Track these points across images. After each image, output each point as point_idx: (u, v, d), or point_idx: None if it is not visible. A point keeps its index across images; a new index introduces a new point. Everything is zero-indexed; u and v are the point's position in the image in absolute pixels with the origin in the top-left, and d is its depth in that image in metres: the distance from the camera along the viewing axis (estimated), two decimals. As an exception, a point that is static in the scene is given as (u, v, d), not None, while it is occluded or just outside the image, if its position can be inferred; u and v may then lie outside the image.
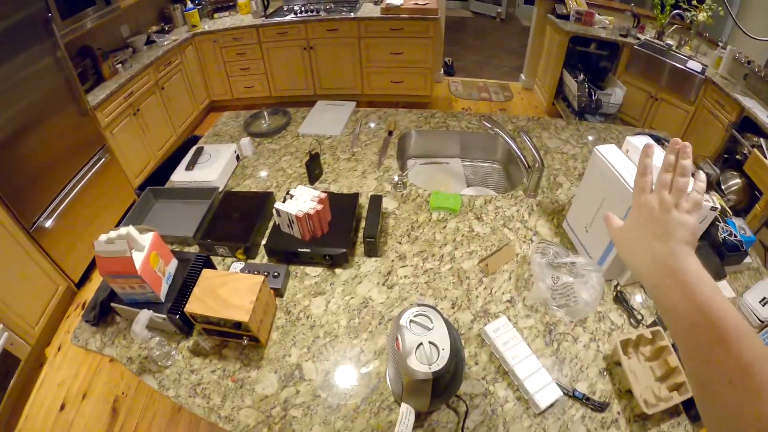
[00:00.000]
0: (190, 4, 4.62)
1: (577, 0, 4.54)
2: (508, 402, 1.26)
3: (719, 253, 1.86)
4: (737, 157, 3.85)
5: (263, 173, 2.00)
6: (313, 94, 5.01)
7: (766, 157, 3.48)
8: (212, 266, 1.48)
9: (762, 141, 3.62)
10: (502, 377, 1.30)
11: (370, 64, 4.78)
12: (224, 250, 1.59)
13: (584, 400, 1.31)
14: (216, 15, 4.86)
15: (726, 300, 0.60)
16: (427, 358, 0.99)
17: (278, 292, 1.47)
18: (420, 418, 1.20)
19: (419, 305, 1.05)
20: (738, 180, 3.66)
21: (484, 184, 2.37)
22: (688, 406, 1.33)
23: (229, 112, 2.57)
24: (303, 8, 4.77)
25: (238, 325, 1.23)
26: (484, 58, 6.44)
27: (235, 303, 1.23)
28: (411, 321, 1.03)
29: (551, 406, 1.25)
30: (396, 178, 1.91)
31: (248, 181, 1.97)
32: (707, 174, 3.54)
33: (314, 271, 1.56)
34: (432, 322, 1.03)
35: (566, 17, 4.54)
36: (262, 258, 1.60)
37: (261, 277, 1.28)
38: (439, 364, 0.98)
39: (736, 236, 1.94)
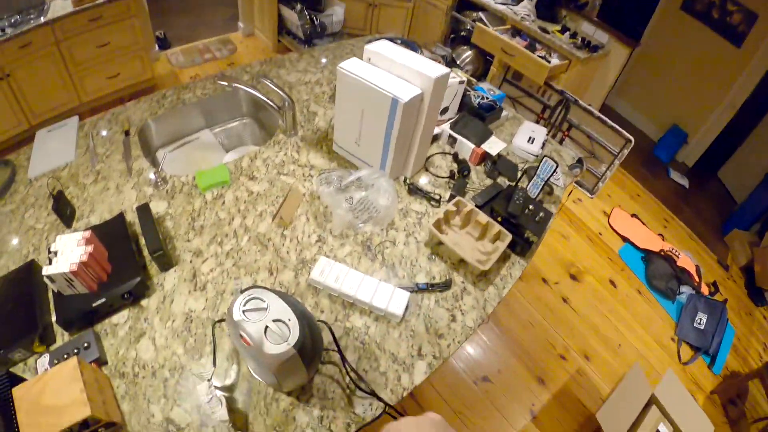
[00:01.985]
0: None
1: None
2: (369, 327, 1.34)
3: (480, 116, 2.13)
4: (462, 34, 4.41)
5: (13, 242, 1.71)
6: (28, 127, 4.29)
7: (487, 25, 4.05)
8: (20, 380, 1.28)
9: (481, 14, 4.22)
10: (352, 310, 1.38)
11: (79, 67, 4.21)
12: (20, 353, 1.38)
13: (430, 288, 1.45)
14: None
15: None
16: (280, 336, 0.98)
17: (100, 362, 1.33)
18: (306, 390, 1.22)
19: (242, 291, 1.03)
20: (469, 51, 4.22)
21: (242, 143, 2.34)
22: (512, 246, 1.59)
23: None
24: (-18, 33, 4.00)
25: (86, 423, 1.09)
26: (196, 19, 6.16)
27: (67, 402, 1.07)
28: (244, 312, 1.00)
29: (407, 309, 1.36)
30: (153, 177, 1.79)
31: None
32: (442, 55, 4.02)
33: (122, 317, 1.41)
34: (264, 301, 1.01)
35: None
36: (63, 337, 1.43)
37: (74, 358, 1.14)
38: (295, 335, 0.98)
39: (487, 98, 2.24)
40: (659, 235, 3.97)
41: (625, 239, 3.77)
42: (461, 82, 2.08)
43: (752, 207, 4.49)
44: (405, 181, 1.81)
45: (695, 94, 5.10)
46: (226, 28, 5.83)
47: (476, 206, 1.69)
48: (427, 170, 1.90)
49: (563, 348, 2.85)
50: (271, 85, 1.87)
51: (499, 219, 1.66)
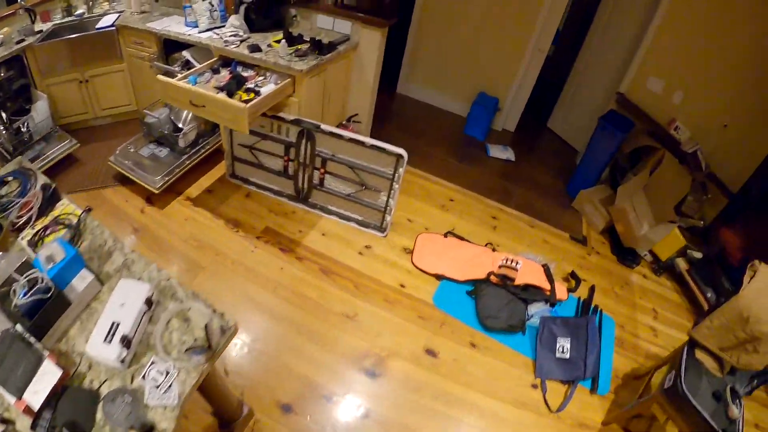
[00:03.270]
0: None
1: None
2: None
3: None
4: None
5: None
6: None
7: (193, 66, 3.17)
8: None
9: (185, 53, 3.40)
10: None
11: None
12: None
13: None
14: None
15: None
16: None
17: None
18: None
19: None
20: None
21: None
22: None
23: None
24: None
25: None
26: None
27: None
28: None
29: None
30: None
31: None
32: (150, 123, 3.05)
33: None
34: None
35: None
36: None
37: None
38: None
39: (42, 282, 1.32)
40: (488, 245, 3.24)
41: (439, 277, 2.98)
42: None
43: (593, 159, 3.88)
44: None
45: (494, 49, 4.45)
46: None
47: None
48: None
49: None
50: None
51: None
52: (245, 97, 2.66)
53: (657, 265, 3.46)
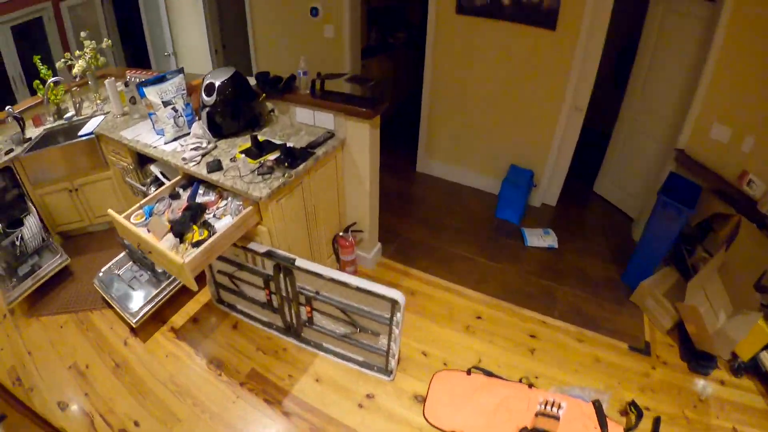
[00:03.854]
0: None
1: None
2: None
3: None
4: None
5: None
6: None
7: (163, 182, 2.80)
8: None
9: (153, 167, 3.05)
10: None
11: None
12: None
13: None
14: None
15: None
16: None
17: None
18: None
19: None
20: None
21: None
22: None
23: None
24: None
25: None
26: None
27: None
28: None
29: None
30: None
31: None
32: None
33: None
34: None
35: None
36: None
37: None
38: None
39: None
40: (522, 380, 2.59)
41: (459, 438, 2.35)
42: None
43: (653, 240, 3.16)
44: None
45: (522, 113, 3.87)
46: None
47: None
48: None
49: None
50: None
51: None
52: (197, 237, 2.18)
53: (737, 365, 2.74)
